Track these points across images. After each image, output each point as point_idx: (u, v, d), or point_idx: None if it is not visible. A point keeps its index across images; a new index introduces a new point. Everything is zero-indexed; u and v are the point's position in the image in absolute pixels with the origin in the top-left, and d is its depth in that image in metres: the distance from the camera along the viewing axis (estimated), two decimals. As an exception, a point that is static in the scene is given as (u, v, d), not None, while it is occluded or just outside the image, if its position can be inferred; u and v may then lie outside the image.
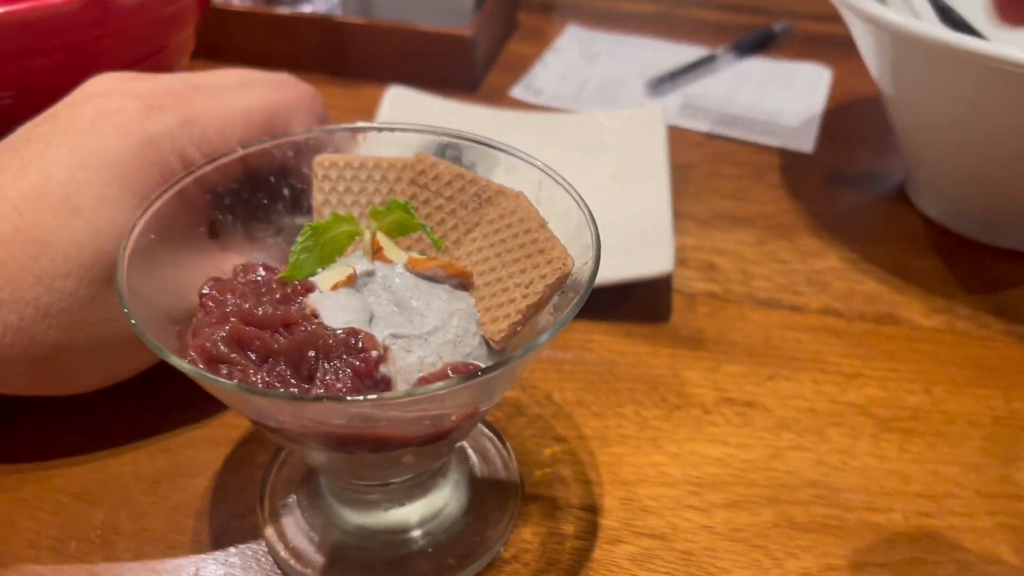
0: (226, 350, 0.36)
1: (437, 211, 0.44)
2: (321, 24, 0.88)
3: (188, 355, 0.37)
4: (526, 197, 0.42)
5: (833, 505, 0.48)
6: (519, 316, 0.39)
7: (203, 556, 0.45)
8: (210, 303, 0.38)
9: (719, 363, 0.57)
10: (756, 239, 0.69)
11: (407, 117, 0.76)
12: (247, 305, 0.38)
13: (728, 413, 0.53)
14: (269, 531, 0.45)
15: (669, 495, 0.48)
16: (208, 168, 0.42)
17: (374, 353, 0.36)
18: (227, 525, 0.46)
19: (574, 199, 0.41)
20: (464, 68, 0.87)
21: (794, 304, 0.62)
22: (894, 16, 0.58)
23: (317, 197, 0.44)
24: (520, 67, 0.94)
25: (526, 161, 0.43)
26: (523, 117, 0.79)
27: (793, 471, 0.50)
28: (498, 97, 0.88)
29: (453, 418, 0.36)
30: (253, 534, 0.46)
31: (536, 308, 0.39)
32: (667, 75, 0.90)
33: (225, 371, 0.35)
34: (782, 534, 0.46)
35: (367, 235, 0.41)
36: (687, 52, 0.97)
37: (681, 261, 0.65)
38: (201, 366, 0.35)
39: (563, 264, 0.39)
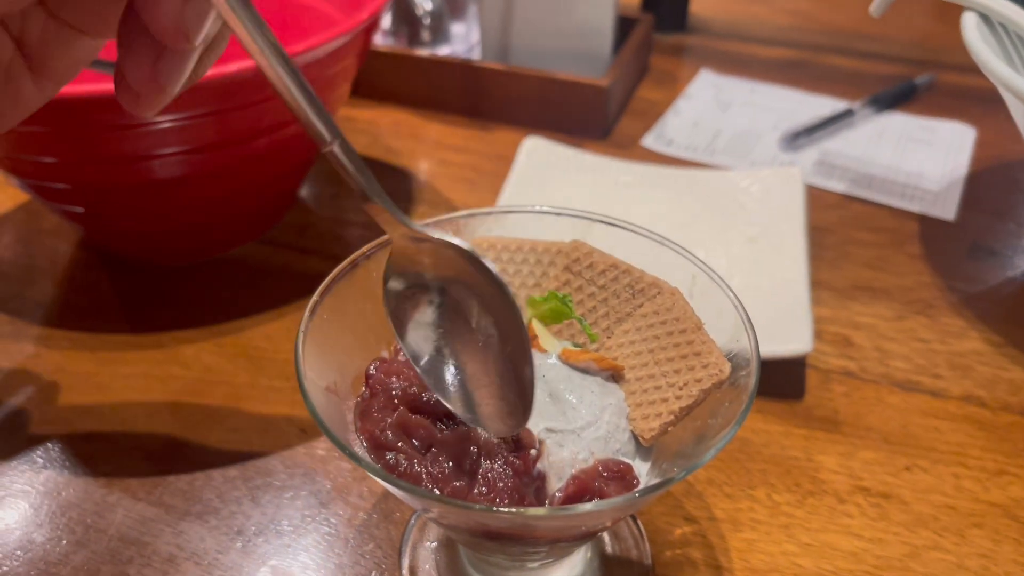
0: (393, 438, 0.38)
1: (589, 299, 0.45)
2: (462, 68, 0.90)
3: (355, 436, 0.39)
4: (682, 295, 0.42)
5: (973, 614, 0.47)
6: (671, 417, 0.40)
7: (346, 612, 0.47)
8: (377, 386, 0.40)
9: (855, 448, 0.56)
10: (895, 314, 0.67)
11: (542, 168, 0.77)
12: (412, 389, 0.40)
13: (863, 504, 0.53)
14: (409, 593, 0.47)
15: (802, 589, 0.48)
16: (375, 247, 0.44)
17: (532, 452, 0.37)
18: (368, 581, 0.48)
19: (731, 301, 0.41)
20: (598, 116, 0.88)
21: (934, 389, 0.61)
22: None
23: None
24: (652, 113, 0.95)
25: (682, 255, 0.44)
26: (658, 171, 0.79)
27: (931, 573, 0.49)
28: (630, 145, 0.89)
29: (608, 523, 0.37)
30: (393, 593, 0.48)
31: (688, 411, 0.40)
32: (803, 129, 0.89)
33: (391, 458, 0.37)
34: (919, 641, 0.46)
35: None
36: (823, 104, 0.95)
37: (816, 334, 0.65)
38: (369, 452, 0.37)
39: (720, 371, 0.39)
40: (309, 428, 0.57)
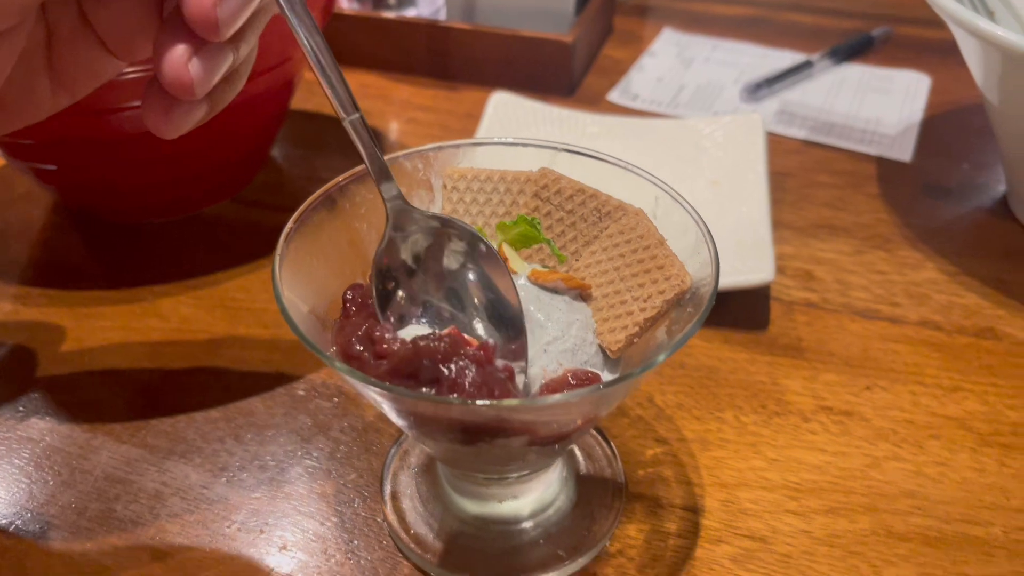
0: (360, 349, 0.39)
1: (558, 223, 0.46)
2: (427, 29, 0.91)
3: (332, 353, 0.40)
4: (646, 214, 0.44)
5: (931, 516, 0.49)
6: (636, 328, 0.42)
7: (329, 535, 0.48)
8: (352, 308, 0.41)
9: (817, 372, 0.58)
10: (854, 249, 0.69)
11: (510, 122, 0.79)
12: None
13: (826, 421, 0.55)
14: (391, 517, 0.49)
15: (768, 499, 0.50)
16: (350, 177, 0.45)
17: (491, 341, 0.39)
18: (350, 507, 0.50)
19: (692, 217, 0.43)
20: (563, 73, 0.89)
21: (892, 316, 0.63)
22: (1005, 33, 0.58)
23: (445, 207, 0.47)
24: (616, 71, 0.96)
25: (644, 178, 0.45)
26: (623, 122, 0.81)
27: (891, 481, 0.51)
28: (595, 101, 0.90)
29: (579, 422, 0.39)
30: (375, 518, 0.49)
31: (653, 322, 0.42)
32: (763, 81, 0.91)
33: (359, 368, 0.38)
34: (880, 542, 0.48)
35: (494, 247, 0.44)
36: (783, 57, 0.98)
37: (779, 269, 0.67)
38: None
39: (681, 281, 0.41)
40: (288, 371, 0.58)
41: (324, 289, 0.43)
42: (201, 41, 0.36)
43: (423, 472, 0.51)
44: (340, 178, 0.45)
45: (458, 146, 0.49)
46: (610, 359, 0.43)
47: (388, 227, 0.43)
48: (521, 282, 0.43)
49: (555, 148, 0.48)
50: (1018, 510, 0.50)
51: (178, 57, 0.36)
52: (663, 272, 0.42)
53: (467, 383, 0.36)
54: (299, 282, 0.42)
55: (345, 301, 0.42)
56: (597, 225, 0.45)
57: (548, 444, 0.40)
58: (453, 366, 0.37)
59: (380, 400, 0.38)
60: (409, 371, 0.37)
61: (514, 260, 0.44)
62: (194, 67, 0.36)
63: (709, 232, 0.42)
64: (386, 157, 0.48)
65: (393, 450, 0.53)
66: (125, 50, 0.39)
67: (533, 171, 0.47)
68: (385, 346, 0.37)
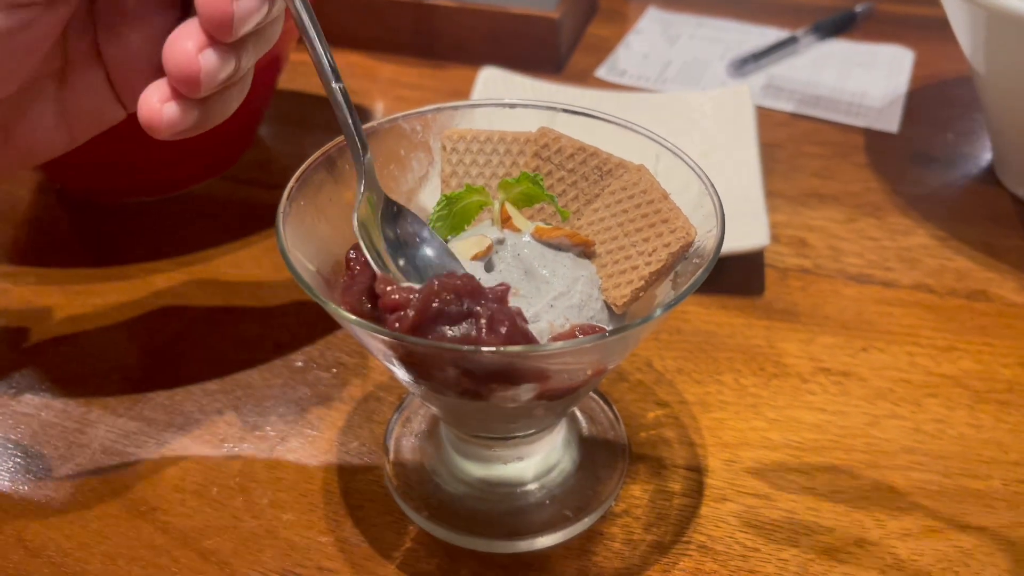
0: (370, 306, 0.39)
1: (559, 183, 0.46)
2: (413, 7, 0.90)
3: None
4: (647, 170, 0.44)
5: (931, 471, 0.50)
6: (642, 282, 0.42)
7: (334, 503, 0.48)
8: (356, 267, 0.41)
9: (814, 335, 0.59)
10: (845, 217, 0.70)
11: (500, 96, 0.78)
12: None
13: (825, 382, 0.55)
14: (395, 483, 0.48)
15: (771, 458, 0.50)
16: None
17: (501, 285, 0.39)
18: (354, 476, 0.49)
19: (695, 171, 0.43)
20: (550, 50, 0.89)
21: (886, 280, 0.63)
22: (994, -4, 0.59)
23: (445, 169, 0.47)
24: (602, 49, 0.96)
25: (645, 135, 0.45)
26: (611, 96, 0.81)
27: (891, 438, 0.52)
28: (583, 78, 0.90)
29: (588, 372, 0.39)
30: (379, 484, 0.49)
31: (659, 275, 0.42)
32: (749, 56, 0.91)
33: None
34: (882, 496, 0.48)
35: (496, 205, 0.44)
36: (767, 34, 0.98)
37: (773, 237, 0.67)
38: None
39: (686, 233, 0.41)
40: (285, 343, 0.58)
41: (327, 248, 0.43)
42: (212, 41, 0.37)
43: (426, 438, 0.51)
44: (340, 139, 0.45)
45: (456, 107, 0.48)
46: (616, 315, 0.43)
47: (362, 188, 0.42)
48: (525, 239, 0.43)
49: (554, 108, 0.48)
50: (1016, 463, 0.50)
51: (190, 48, 0.37)
52: (668, 225, 0.42)
53: (493, 322, 0.36)
54: (302, 241, 0.41)
55: (348, 260, 0.42)
56: (599, 183, 0.45)
57: (556, 398, 0.40)
58: (479, 306, 0.36)
59: (391, 355, 0.37)
60: (434, 313, 0.37)
61: (517, 218, 0.44)
62: (204, 59, 0.37)
63: (712, 184, 0.42)
64: (384, 119, 0.48)
65: (395, 417, 0.52)
66: (130, 92, 0.42)
67: (533, 132, 0.47)
68: (396, 296, 0.37)
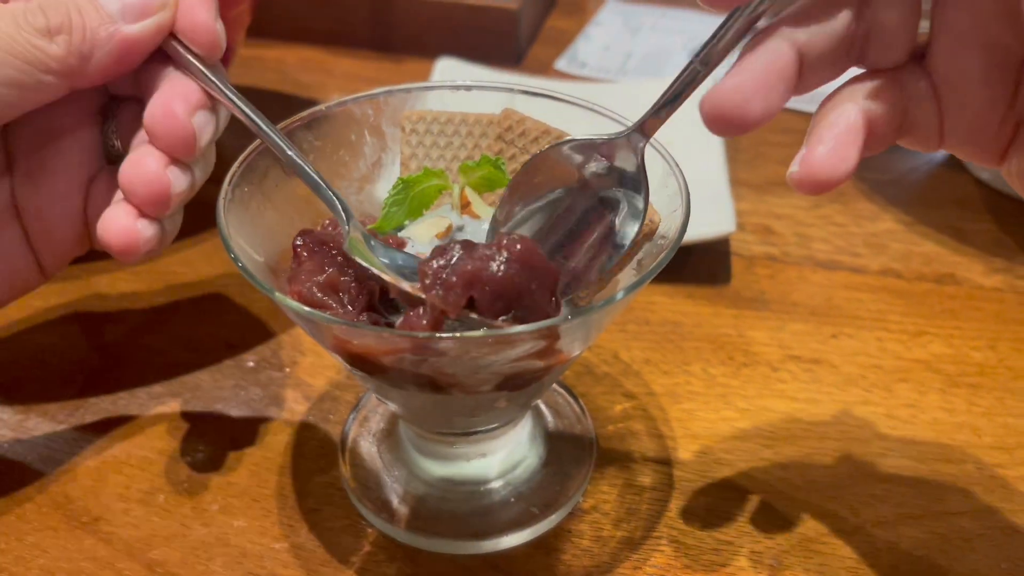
0: (321, 295, 0.37)
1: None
2: (368, -1, 0.88)
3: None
4: None
5: (905, 457, 0.49)
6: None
7: (288, 508, 0.46)
8: (304, 253, 0.39)
9: (783, 322, 0.57)
10: (811, 203, 0.69)
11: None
12: (338, 256, 0.38)
13: (795, 370, 0.54)
14: (352, 485, 0.46)
15: (743, 448, 0.49)
16: (297, 123, 0.43)
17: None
18: (309, 479, 0.47)
19: (658, 151, 0.41)
20: (509, 42, 0.88)
21: (853, 266, 0.62)
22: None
23: (404, 151, 0.45)
24: (562, 41, 0.94)
25: (605, 115, 0.44)
26: (572, 87, 0.79)
27: (863, 425, 0.50)
28: (543, 70, 0.88)
29: (550, 361, 0.37)
30: (336, 487, 0.47)
31: (622, 264, 0.40)
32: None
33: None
34: (856, 484, 0.47)
35: (456, 190, 0.42)
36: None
37: (738, 225, 0.65)
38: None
39: (650, 220, 0.39)
40: (237, 342, 0.55)
41: (274, 238, 0.41)
42: (172, 159, 0.38)
43: (384, 437, 0.49)
44: (285, 123, 0.43)
45: (408, 90, 0.46)
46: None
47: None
48: (484, 227, 0.41)
49: (511, 90, 0.46)
50: (990, 447, 0.49)
51: (155, 166, 0.37)
52: None
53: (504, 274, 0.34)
54: (247, 230, 0.39)
55: (296, 248, 0.39)
56: None
57: (518, 388, 0.38)
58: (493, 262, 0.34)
59: (343, 344, 0.35)
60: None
61: (477, 204, 0.42)
62: (172, 174, 0.38)
63: (677, 164, 0.40)
64: (333, 102, 0.45)
65: (352, 416, 0.50)
66: (49, 250, 0.42)
67: (495, 114, 0.45)
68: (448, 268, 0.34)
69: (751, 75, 0.31)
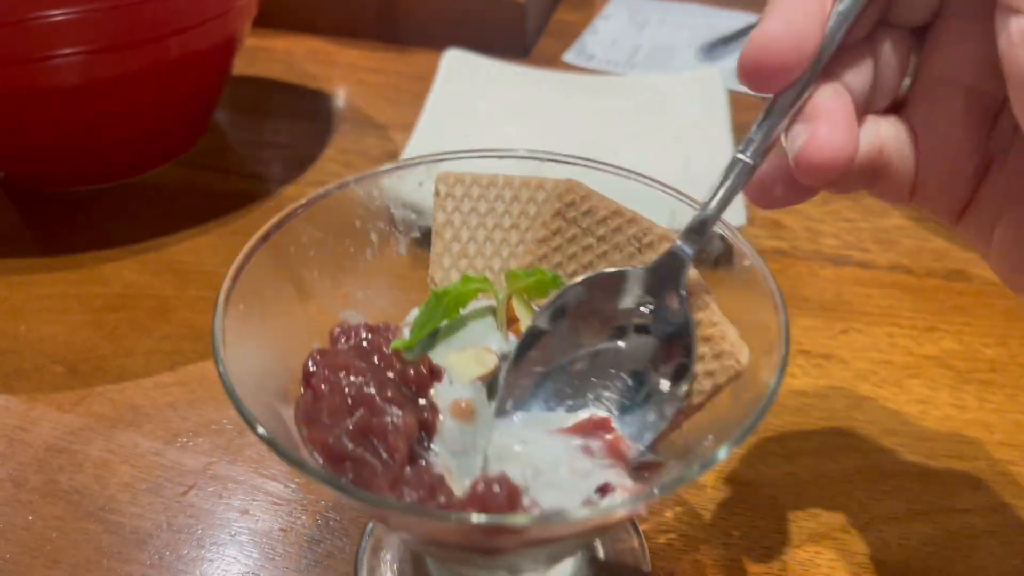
0: (353, 447, 0.31)
1: (585, 252, 0.38)
2: (375, -10, 0.88)
3: (304, 449, 0.32)
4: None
5: (916, 453, 0.48)
6: (665, 424, 0.34)
7: (292, 499, 0.45)
8: (322, 386, 0.33)
9: (793, 317, 0.57)
10: (821, 199, 0.67)
11: (465, 78, 0.76)
12: (370, 385, 0.33)
13: (805, 364, 0.54)
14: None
15: (751, 443, 0.49)
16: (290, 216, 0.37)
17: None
18: (317, 470, 0.47)
19: (743, 248, 0.36)
20: (516, 34, 0.87)
21: (863, 261, 0.62)
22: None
23: (439, 217, 0.39)
24: (569, 34, 0.94)
25: (658, 188, 0.38)
26: (580, 79, 0.79)
27: (874, 420, 0.50)
28: (550, 63, 0.88)
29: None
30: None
31: (697, 409, 0.34)
32: (719, 40, 0.90)
33: (351, 471, 0.31)
34: (866, 480, 0.47)
35: (501, 298, 0.36)
36: (736, 19, 0.97)
37: (748, 219, 0.65)
38: (322, 462, 0.31)
39: (736, 361, 0.33)
40: (243, 333, 0.55)
41: (281, 358, 0.36)
42: None
43: (407, 561, 0.43)
44: (276, 218, 0.37)
45: (416, 164, 0.40)
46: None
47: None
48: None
49: (539, 159, 0.39)
50: (1001, 443, 0.49)
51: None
52: (711, 346, 0.34)
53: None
54: (247, 359, 0.33)
55: (308, 375, 0.33)
56: (636, 258, 0.36)
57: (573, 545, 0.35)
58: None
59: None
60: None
61: (526, 319, 0.35)
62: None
63: (770, 271, 0.35)
64: (333, 186, 0.39)
65: (365, 536, 0.44)
66: None
67: (554, 179, 0.38)
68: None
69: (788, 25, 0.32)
